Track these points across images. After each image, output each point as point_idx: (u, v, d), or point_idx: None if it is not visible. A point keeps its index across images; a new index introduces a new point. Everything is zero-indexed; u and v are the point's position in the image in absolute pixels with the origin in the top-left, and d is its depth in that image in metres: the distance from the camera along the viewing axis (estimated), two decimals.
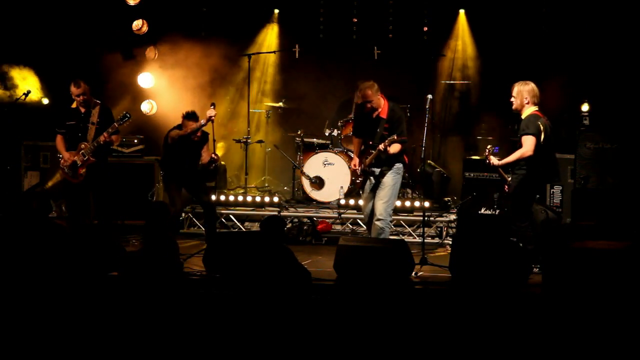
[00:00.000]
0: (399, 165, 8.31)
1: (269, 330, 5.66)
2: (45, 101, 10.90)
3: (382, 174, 8.31)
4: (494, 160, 7.80)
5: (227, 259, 7.42)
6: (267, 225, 6.97)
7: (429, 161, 10.78)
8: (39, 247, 6.76)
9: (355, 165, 8.55)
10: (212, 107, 8.45)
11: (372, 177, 8.37)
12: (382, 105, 8.30)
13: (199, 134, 8.58)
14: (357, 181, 8.70)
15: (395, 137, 8.04)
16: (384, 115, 8.28)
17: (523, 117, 7.79)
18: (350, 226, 10.26)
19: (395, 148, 8.14)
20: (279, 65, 12.27)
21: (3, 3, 10.75)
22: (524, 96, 7.77)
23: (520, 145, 7.73)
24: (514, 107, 7.87)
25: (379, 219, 8.20)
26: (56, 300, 6.04)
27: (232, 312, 6.08)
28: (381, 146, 8.08)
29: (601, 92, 10.39)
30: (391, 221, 8.44)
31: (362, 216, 10.04)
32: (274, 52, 11.98)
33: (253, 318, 5.87)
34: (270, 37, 12.19)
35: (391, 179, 8.28)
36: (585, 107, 10.28)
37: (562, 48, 10.80)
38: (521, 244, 7.65)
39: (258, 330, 5.65)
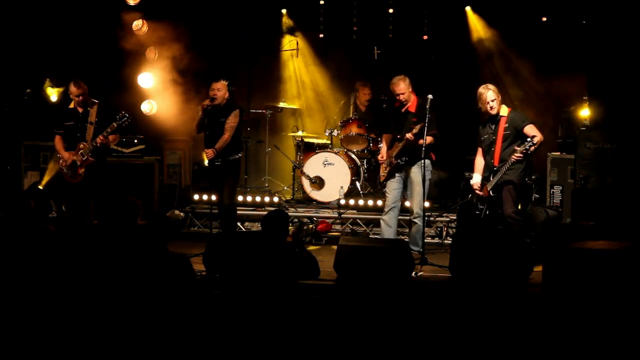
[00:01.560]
0: (420, 162, 8.24)
1: (269, 331, 5.65)
2: (54, 98, 10.92)
3: (408, 165, 8.42)
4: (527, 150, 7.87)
5: (227, 259, 7.41)
6: (270, 221, 6.82)
7: None
8: (32, 248, 6.72)
9: (382, 157, 8.62)
10: (210, 100, 8.64)
11: (398, 169, 8.46)
12: (412, 100, 8.36)
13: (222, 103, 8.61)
14: (383, 174, 8.76)
15: (424, 125, 8.03)
16: (412, 110, 8.34)
17: (504, 114, 8.00)
18: (350, 226, 10.25)
19: (426, 140, 8.14)
20: (279, 65, 12.27)
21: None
22: (499, 96, 8.05)
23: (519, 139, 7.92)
24: (496, 111, 8.02)
25: (415, 217, 8.53)
26: (49, 302, 6.02)
27: (232, 312, 6.06)
28: (408, 135, 8.13)
29: (602, 91, 10.37)
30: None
31: (361, 216, 10.11)
32: (274, 52, 11.97)
33: (253, 318, 5.86)
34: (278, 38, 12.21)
35: (417, 175, 8.36)
36: (585, 112, 10.27)
37: (562, 47, 10.79)
38: (518, 235, 7.76)
39: (258, 331, 5.64)
